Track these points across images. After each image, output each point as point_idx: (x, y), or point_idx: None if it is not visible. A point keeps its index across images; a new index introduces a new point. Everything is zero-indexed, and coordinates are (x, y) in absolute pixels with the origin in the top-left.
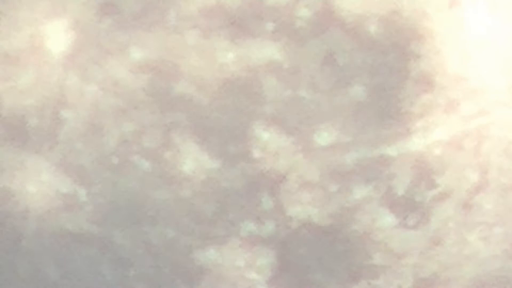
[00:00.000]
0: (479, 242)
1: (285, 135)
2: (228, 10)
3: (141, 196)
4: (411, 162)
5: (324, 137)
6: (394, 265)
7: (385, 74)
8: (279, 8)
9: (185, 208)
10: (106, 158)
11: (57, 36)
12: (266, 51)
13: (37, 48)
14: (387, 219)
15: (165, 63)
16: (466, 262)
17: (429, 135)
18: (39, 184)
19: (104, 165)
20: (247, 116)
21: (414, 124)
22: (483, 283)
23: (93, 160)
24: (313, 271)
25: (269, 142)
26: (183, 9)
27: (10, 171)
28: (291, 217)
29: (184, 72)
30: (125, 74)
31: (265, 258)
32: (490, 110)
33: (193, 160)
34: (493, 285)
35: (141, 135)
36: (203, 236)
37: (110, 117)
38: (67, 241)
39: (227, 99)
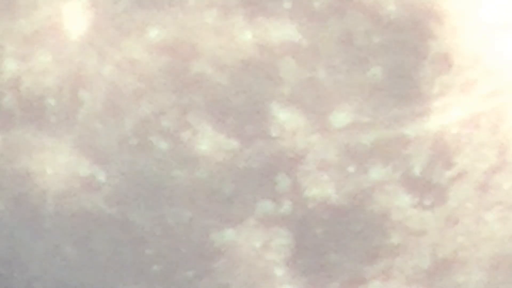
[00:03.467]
0: (497, 222)
1: (302, 115)
2: None
3: (158, 177)
4: (428, 142)
5: (341, 117)
6: (411, 245)
7: (402, 55)
8: None
9: (202, 189)
10: (124, 139)
11: (74, 17)
12: (283, 31)
13: (55, 29)
14: (405, 199)
15: (183, 43)
16: (483, 242)
17: (446, 115)
18: (57, 165)
19: (122, 146)
20: (265, 96)
21: (432, 104)
22: (500, 262)
23: (111, 141)
24: (331, 251)
25: (286, 122)
26: None
27: (29, 152)
28: (308, 197)
29: (202, 52)
30: (142, 54)
31: (282, 239)
32: (507, 90)
33: (210, 141)
34: (510, 264)
35: (159, 116)
36: (220, 217)
37: (127, 98)
38: (85, 221)
39: (245, 79)
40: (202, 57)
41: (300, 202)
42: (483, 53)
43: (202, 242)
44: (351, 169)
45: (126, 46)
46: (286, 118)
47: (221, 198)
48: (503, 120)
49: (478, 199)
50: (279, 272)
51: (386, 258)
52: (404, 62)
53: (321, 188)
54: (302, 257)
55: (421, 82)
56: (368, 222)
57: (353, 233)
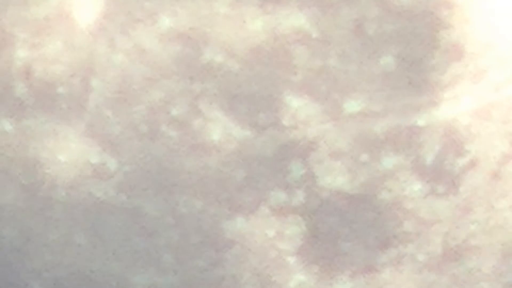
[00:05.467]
0: (508, 210)
1: (314, 104)
2: None
3: (169, 165)
4: (440, 131)
5: (353, 106)
6: (423, 233)
7: (414, 44)
8: None
9: (213, 177)
10: (135, 126)
11: (85, 4)
12: (295, 19)
13: (66, 16)
14: (417, 188)
15: (194, 31)
16: (495, 230)
17: (458, 104)
18: (68, 153)
19: (133, 133)
20: (277, 84)
21: (443, 93)
22: (511, 249)
23: (122, 128)
24: (343, 239)
25: (298, 110)
26: None
27: (40, 140)
28: (321, 186)
29: (213, 40)
30: (153, 42)
31: (295, 227)
32: None
33: (221, 129)
34: None
35: (170, 104)
36: (231, 205)
37: (138, 86)
38: (96, 209)
39: (256, 67)
40: (213, 45)
41: (313, 191)
42: (494, 42)
43: (214, 231)
44: (363, 157)
45: (137, 34)
46: (298, 106)
47: (233, 186)
48: None
49: (490, 188)
50: (291, 260)
51: (398, 246)
52: (416, 51)
53: (333, 177)
54: (314, 246)
55: (432, 71)
56: (380, 210)
57: (366, 221)
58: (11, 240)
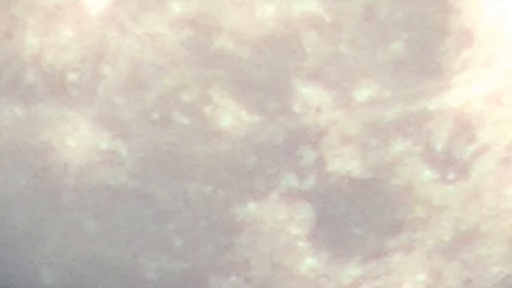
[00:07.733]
0: None
1: (325, 90)
2: None
3: (180, 151)
4: (450, 117)
5: (364, 92)
6: (434, 219)
7: (425, 29)
8: None
9: (224, 163)
10: (146, 113)
11: None
12: (306, 5)
13: (76, 3)
14: (427, 173)
15: (205, 18)
16: (505, 216)
17: (468, 90)
18: (79, 139)
19: (144, 120)
20: (287, 71)
21: (454, 79)
22: None
23: (133, 115)
24: (353, 225)
25: (309, 97)
26: None
27: (50, 126)
28: (331, 171)
29: (224, 27)
30: (164, 28)
31: (305, 213)
32: None
33: (232, 115)
34: None
35: (181, 90)
36: (242, 191)
37: (149, 72)
38: (107, 195)
39: (267, 54)
40: (224, 32)
41: (323, 176)
42: (505, 28)
43: (224, 216)
44: (373, 143)
45: (148, 20)
46: (309, 93)
47: (243, 172)
48: None
49: (499, 174)
50: (301, 245)
51: (408, 232)
52: (426, 37)
53: (344, 162)
54: (324, 231)
55: (443, 57)
56: (390, 196)
57: (376, 206)
58: (21, 225)
